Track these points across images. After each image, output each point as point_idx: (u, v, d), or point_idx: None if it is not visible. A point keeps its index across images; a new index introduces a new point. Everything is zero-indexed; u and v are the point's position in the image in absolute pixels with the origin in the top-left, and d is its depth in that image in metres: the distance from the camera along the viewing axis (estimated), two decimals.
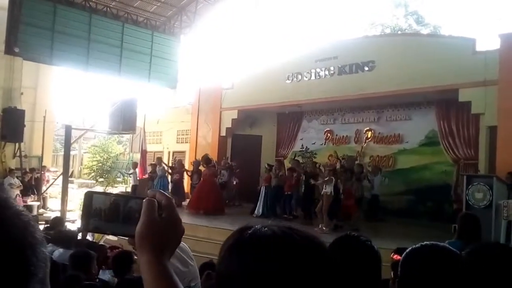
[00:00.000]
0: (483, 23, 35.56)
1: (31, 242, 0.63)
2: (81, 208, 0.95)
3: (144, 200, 0.90)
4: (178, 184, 14.03)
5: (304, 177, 11.53)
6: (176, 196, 12.67)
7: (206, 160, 13.02)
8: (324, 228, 9.55)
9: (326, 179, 10.01)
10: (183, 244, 3.48)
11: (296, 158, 13.93)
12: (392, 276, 2.69)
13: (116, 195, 0.97)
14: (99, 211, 0.93)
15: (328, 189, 9.85)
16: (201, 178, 12.92)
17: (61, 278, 4.24)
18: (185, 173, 14.42)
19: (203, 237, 8.82)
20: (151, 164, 14.77)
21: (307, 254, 0.79)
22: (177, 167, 14.32)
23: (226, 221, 10.37)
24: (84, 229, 0.96)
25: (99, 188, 20.67)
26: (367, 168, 12.22)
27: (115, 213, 0.93)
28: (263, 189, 12.16)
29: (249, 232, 0.84)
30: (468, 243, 4.17)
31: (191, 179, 14.26)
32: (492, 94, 9.88)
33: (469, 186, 7.99)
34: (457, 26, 35.82)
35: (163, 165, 14.41)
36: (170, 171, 14.27)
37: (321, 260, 0.81)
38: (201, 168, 13.78)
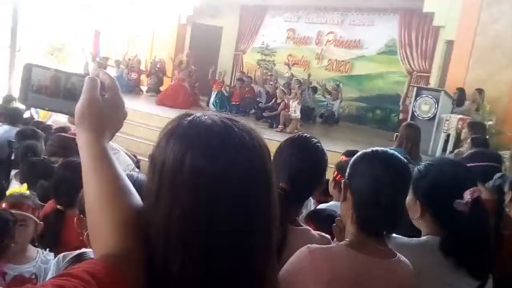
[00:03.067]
0: None
1: None
2: (20, 81, 0.88)
3: (86, 78, 0.86)
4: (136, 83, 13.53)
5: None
6: None
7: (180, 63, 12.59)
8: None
9: (296, 102, 9.52)
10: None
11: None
12: (334, 175, 2.86)
13: (57, 70, 0.90)
14: (38, 86, 0.88)
15: (298, 113, 9.54)
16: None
17: (15, 151, 4.19)
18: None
19: (155, 126, 8.74)
20: None
21: (242, 145, 0.77)
22: (135, 65, 13.54)
23: (181, 111, 10.25)
24: (22, 103, 0.91)
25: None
26: (325, 90, 12.06)
27: (55, 88, 0.88)
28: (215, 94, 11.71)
29: (188, 119, 0.81)
30: (406, 150, 4.46)
31: (148, 80, 13.73)
32: (456, 8, 9.84)
33: (417, 98, 8.26)
34: None
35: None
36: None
37: (257, 153, 0.79)
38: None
